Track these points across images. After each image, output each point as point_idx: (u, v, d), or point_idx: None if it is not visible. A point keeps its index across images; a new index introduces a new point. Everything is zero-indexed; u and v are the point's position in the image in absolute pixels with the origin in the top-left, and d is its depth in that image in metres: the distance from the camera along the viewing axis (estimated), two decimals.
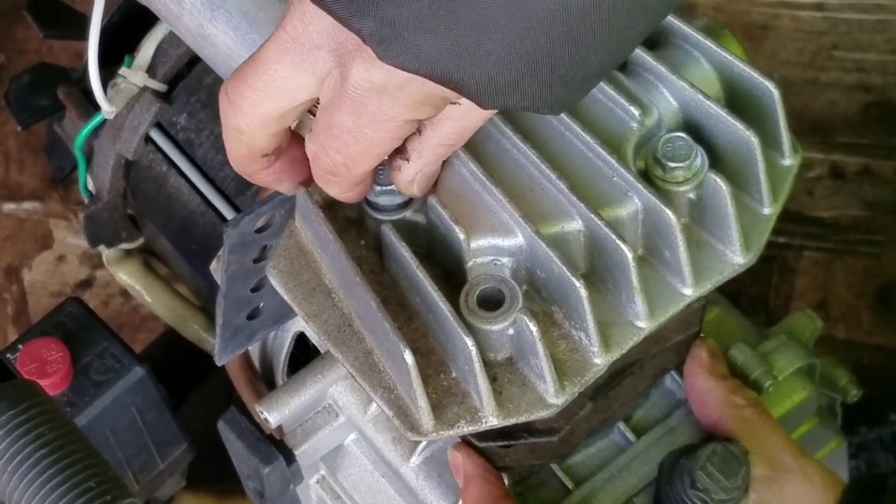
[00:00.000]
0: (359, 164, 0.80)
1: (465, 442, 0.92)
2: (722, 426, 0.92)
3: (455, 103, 0.78)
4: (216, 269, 1.08)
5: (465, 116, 0.79)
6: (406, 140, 0.81)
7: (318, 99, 0.79)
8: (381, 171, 0.84)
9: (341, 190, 0.83)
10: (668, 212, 0.83)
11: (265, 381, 1.15)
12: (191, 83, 1.21)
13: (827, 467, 0.92)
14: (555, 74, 0.73)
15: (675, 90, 0.88)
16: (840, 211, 1.65)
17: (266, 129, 0.80)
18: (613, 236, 0.83)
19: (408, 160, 0.82)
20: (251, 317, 0.99)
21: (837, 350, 1.54)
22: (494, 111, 0.80)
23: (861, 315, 1.60)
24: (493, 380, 0.83)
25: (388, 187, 0.85)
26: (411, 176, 0.83)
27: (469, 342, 0.80)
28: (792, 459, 0.91)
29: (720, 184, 0.85)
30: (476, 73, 0.72)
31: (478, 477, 0.91)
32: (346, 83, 0.75)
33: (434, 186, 0.86)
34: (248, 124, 0.80)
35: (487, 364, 0.82)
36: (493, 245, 0.84)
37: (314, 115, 0.81)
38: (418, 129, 0.80)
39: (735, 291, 1.54)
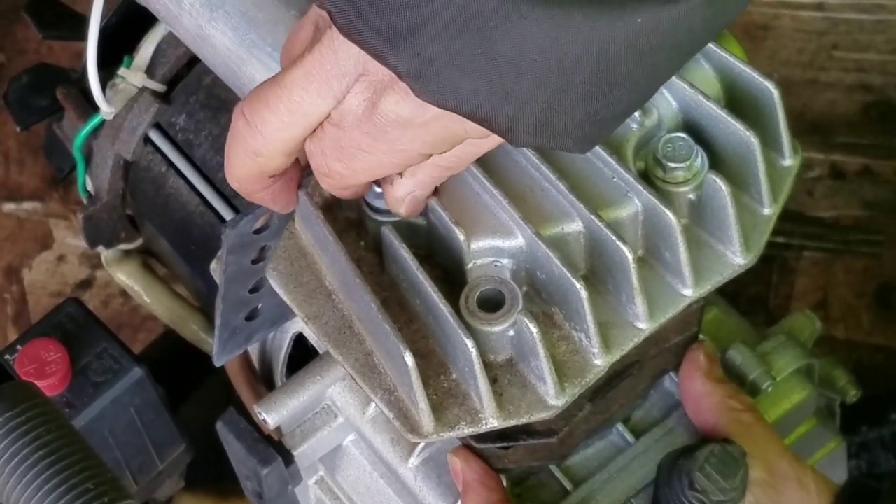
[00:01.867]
0: (356, 176, 0.80)
1: (465, 445, 0.92)
2: (718, 430, 0.92)
3: None
4: (215, 269, 1.08)
5: (471, 142, 0.79)
6: None
7: None
8: None
9: (331, 190, 0.83)
10: (669, 212, 0.83)
11: (264, 382, 1.15)
12: (190, 84, 1.21)
13: (820, 473, 0.92)
14: (587, 114, 0.73)
15: (675, 91, 0.88)
16: (840, 211, 1.65)
17: (286, 151, 0.80)
18: (613, 237, 0.83)
19: (401, 175, 0.82)
20: (249, 318, 0.99)
21: (837, 350, 1.54)
22: (498, 144, 0.80)
23: (861, 315, 1.60)
24: (493, 381, 0.83)
25: None
26: (402, 194, 0.82)
27: (469, 344, 0.80)
28: (788, 466, 0.91)
29: (720, 184, 0.85)
30: (511, 111, 0.72)
31: (477, 483, 0.91)
32: (375, 111, 0.75)
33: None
34: (268, 148, 0.80)
35: (488, 365, 0.82)
36: (494, 246, 0.84)
37: None
38: None
39: (734, 292, 1.54)
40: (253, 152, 0.80)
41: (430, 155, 0.78)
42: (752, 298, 1.60)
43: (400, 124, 0.75)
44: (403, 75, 0.72)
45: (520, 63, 0.70)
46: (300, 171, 0.85)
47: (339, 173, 0.79)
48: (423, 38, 0.70)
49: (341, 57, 0.76)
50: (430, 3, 0.69)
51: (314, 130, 0.79)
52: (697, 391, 0.94)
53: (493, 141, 0.78)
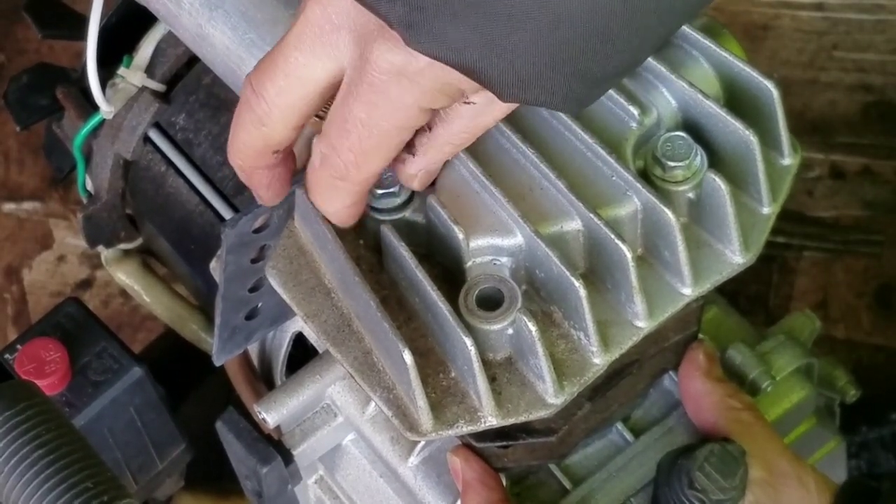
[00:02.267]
0: (370, 161, 0.79)
1: (464, 444, 0.92)
2: (718, 429, 0.92)
3: (468, 102, 0.78)
4: (215, 268, 1.08)
5: (476, 115, 0.79)
6: (415, 135, 0.81)
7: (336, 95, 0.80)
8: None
9: (345, 200, 0.82)
10: (668, 211, 0.83)
11: (264, 381, 1.15)
12: (189, 83, 1.21)
13: (820, 472, 0.92)
14: (577, 70, 0.72)
15: (675, 90, 0.88)
16: (840, 211, 1.65)
17: (288, 121, 0.80)
18: (612, 236, 0.83)
19: (413, 154, 0.82)
20: (249, 317, 0.99)
21: (837, 350, 1.54)
22: (506, 112, 0.80)
23: (861, 315, 1.60)
24: (492, 380, 0.83)
25: (388, 190, 0.85)
26: (414, 171, 0.83)
27: (468, 342, 0.80)
28: (787, 465, 0.91)
29: (719, 183, 0.85)
30: (500, 63, 0.72)
31: (476, 482, 0.91)
32: (367, 65, 0.75)
33: (433, 186, 0.86)
34: (272, 115, 0.80)
35: (486, 364, 0.82)
36: (493, 245, 0.84)
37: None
38: (428, 125, 0.80)
39: (734, 291, 1.54)
40: (258, 120, 0.80)
41: (431, 111, 0.78)
42: (752, 298, 1.60)
43: (394, 75, 0.75)
44: (395, 24, 0.72)
45: (512, 15, 0.70)
46: (294, 164, 0.85)
47: (353, 164, 0.79)
48: None
49: (331, 11, 0.76)
50: None
51: (322, 130, 0.79)
52: (697, 390, 0.94)
53: (499, 112, 0.78)
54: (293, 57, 0.78)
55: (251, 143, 0.82)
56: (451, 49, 0.71)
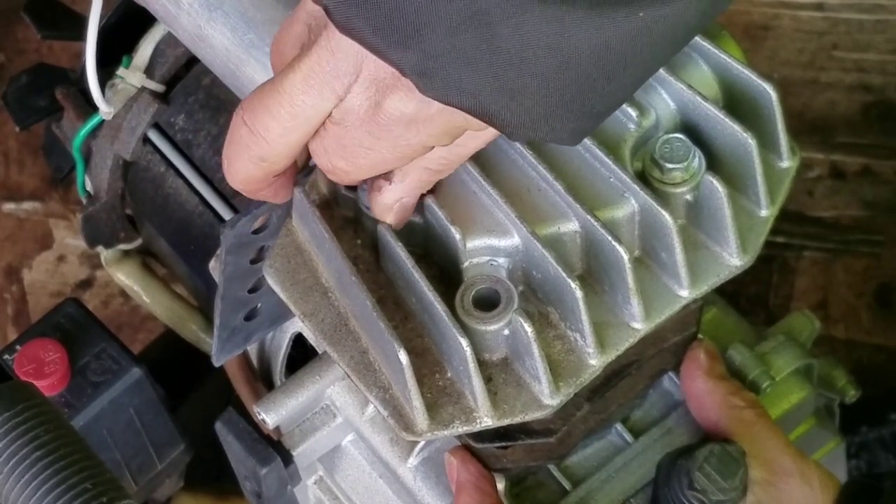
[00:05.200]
0: (360, 173, 0.80)
1: (463, 445, 0.92)
2: (721, 428, 0.92)
3: None
4: (214, 267, 1.08)
5: (457, 144, 0.79)
6: None
7: None
8: None
9: (336, 181, 0.83)
10: (665, 213, 0.83)
11: (263, 382, 1.15)
12: (189, 84, 1.21)
13: (825, 469, 0.92)
14: (583, 108, 0.73)
15: (673, 91, 0.88)
16: (840, 211, 1.65)
17: (291, 155, 0.80)
18: (609, 237, 0.83)
19: (391, 182, 0.81)
20: (248, 317, 0.99)
21: (837, 350, 1.54)
22: (486, 144, 0.80)
23: (861, 315, 1.60)
24: (488, 380, 0.83)
25: None
26: (391, 201, 0.82)
27: (464, 342, 0.80)
28: (790, 462, 0.91)
29: (717, 186, 0.85)
30: (513, 106, 0.72)
31: (470, 485, 0.91)
32: (379, 110, 0.75)
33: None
34: (273, 153, 0.80)
35: (482, 364, 0.82)
36: (490, 245, 0.84)
37: None
38: None
39: (734, 291, 1.54)
40: (258, 158, 0.80)
41: (432, 147, 0.78)
42: (752, 298, 1.60)
43: (404, 122, 0.75)
44: (407, 72, 0.72)
45: (523, 59, 0.70)
46: (296, 166, 0.85)
47: (343, 170, 0.80)
48: (428, 33, 0.70)
49: (339, 57, 0.75)
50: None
51: (317, 130, 0.79)
52: (699, 389, 0.94)
53: (482, 141, 0.79)
54: (300, 100, 0.77)
55: (252, 175, 0.82)
56: (464, 94, 0.72)
